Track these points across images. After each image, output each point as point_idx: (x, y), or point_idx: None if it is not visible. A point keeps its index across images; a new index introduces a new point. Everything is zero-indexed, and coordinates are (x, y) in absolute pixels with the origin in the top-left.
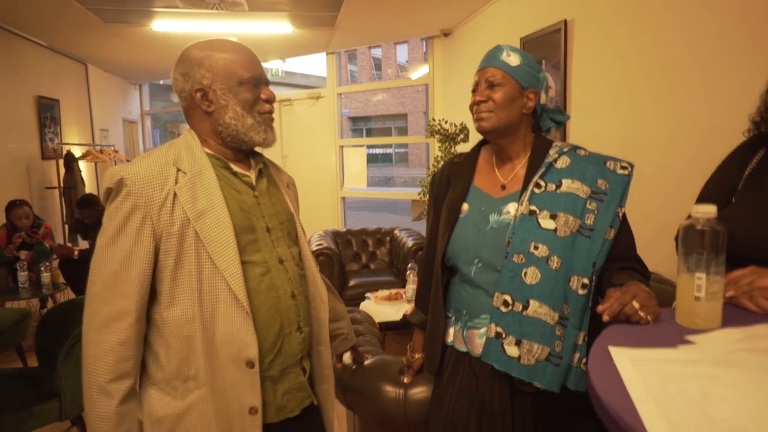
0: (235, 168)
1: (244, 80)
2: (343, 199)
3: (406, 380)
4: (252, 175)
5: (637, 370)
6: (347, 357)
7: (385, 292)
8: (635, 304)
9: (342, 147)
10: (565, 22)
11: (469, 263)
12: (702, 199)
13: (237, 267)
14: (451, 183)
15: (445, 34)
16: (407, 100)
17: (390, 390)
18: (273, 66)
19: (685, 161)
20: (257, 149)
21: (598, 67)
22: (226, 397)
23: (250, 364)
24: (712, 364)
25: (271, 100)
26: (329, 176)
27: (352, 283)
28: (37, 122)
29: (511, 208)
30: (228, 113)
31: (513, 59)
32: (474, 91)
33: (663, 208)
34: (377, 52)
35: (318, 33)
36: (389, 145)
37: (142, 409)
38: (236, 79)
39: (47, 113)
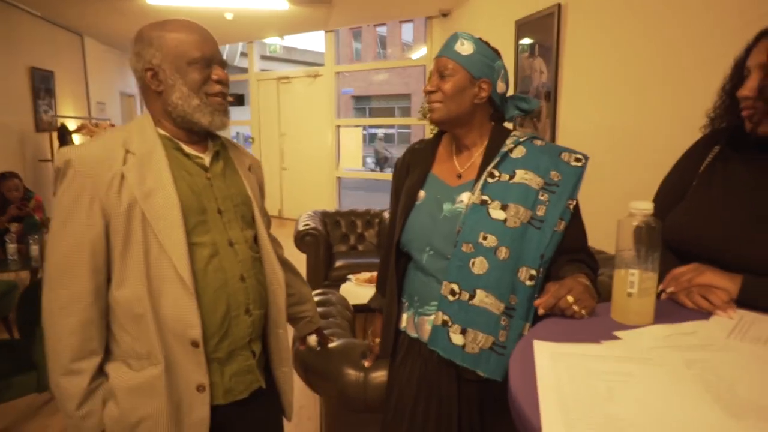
0: (188, 149)
1: (194, 60)
2: (339, 179)
3: (366, 364)
4: (206, 157)
5: (554, 364)
6: (312, 339)
7: (366, 275)
8: (570, 299)
9: (339, 127)
10: (559, 5)
11: (421, 251)
12: (659, 195)
13: (183, 248)
14: (410, 170)
15: (444, 15)
16: (411, 80)
17: (351, 373)
18: (271, 42)
19: (679, 148)
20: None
21: (590, 53)
22: (176, 373)
23: (194, 344)
24: (629, 360)
25: (222, 81)
26: (326, 156)
27: (338, 264)
28: (30, 94)
29: (465, 197)
30: (175, 93)
31: (466, 48)
32: (429, 80)
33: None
34: (383, 30)
35: (314, 10)
36: (392, 126)
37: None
38: (186, 59)
39: (41, 85)
